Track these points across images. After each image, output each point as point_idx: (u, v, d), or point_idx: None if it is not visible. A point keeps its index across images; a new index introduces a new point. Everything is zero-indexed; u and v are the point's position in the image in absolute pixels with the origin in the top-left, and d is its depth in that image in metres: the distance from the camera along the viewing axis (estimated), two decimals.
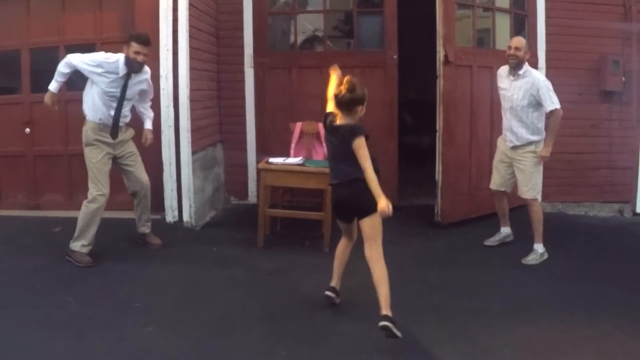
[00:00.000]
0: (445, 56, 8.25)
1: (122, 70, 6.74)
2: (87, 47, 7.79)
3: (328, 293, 5.75)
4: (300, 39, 10.47)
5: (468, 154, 8.72)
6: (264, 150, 9.23)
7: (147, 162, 7.81)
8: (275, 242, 7.79)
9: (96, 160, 6.80)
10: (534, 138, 7.36)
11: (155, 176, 8.00)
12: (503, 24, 9.45)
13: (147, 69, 7.09)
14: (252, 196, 9.80)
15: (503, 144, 7.64)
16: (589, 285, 6.52)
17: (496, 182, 7.63)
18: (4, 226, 7.94)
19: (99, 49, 7.61)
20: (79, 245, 6.71)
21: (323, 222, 7.55)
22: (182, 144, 8.08)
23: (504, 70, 7.63)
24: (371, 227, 5.37)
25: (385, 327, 4.91)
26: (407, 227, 8.53)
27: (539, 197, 7.49)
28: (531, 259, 7.28)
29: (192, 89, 8.17)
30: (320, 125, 8.35)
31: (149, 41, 6.87)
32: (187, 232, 8.01)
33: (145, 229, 7.42)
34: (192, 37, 8.17)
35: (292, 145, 8.52)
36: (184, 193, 8.14)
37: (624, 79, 9.57)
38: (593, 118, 9.70)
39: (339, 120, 5.30)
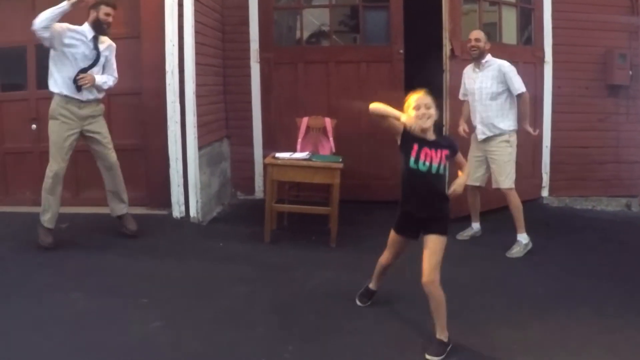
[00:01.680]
0: (452, 50, 8.25)
1: (89, 32, 6.86)
2: None
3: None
4: (306, 33, 10.44)
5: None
6: (270, 145, 9.22)
7: (153, 158, 7.83)
8: (282, 237, 7.79)
9: (57, 134, 6.92)
10: (505, 127, 7.37)
11: (162, 172, 8.03)
12: (509, 17, 9.44)
13: (109, 40, 7.24)
14: (258, 191, 9.80)
15: (474, 138, 7.69)
16: (596, 279, 6.51)
17: (474, 176, 7.58)
18: (10, 222, 7.95)
19: None
20: (44, 219, 6.93)
21: (330, 217, 7.54)
22: (189, 140, 8.07)
23: (468, 68, 7.74)
24: None
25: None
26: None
27: (514, 186, 7.46)
28: (515, 252, 7.29)
29: (198, 84, 8.17)
30: (327, 119, 8.37)
31: (115, 4, 7.02)
32: (193, 228, 8.00)
33: (116, 206, 7.44)
34: (197, 32, 8.16)
35: (299, 140, 8.51)
36: (190, 188, 8.13)
37: (630, 72, 9.55)
38: (600, 112, 9.69)
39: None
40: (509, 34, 9.35)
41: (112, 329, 5.13)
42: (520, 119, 7.47)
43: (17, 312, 5.42)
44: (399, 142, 5.04)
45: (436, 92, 8.09)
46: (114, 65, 7.33)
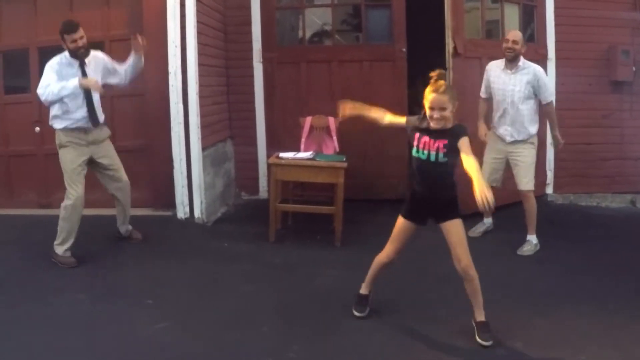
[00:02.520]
0: (455, 48, 8.24)
1: (72, 60, 6.72)
2: (95, 45, 7.79)
3: None
4: (309, 33, 10.44)
5: (479, 145, 8.70)
6: (274, 145, 9.20)
7: (157, 159, 7.84)
8: (287, 237, 7.80)
9: (69, 161, 6.79)
10: (534, 131, 7.40)
11: (166, 173, 8.03)
12: (512, 15, 9.42)
13: (97, 53, 7.04)
14: (263, 191, 9.79)
15: (496, 140, 7.63)
16: (601, 276, 6.50)
17: (489, 178, 7.56)
18: (15, 225, 7.97)
19: (107, 47, 7.70)
20: (62, 249, 6.70)
21: (334, 217, 7.54)
22: (192, 140, 8.07)
23: (496, 64, 7.65)
24: None
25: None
26: None
27: (534, 189, 7.48)
28: (527, 250, 7.30)
29: (201, 85, 8.17)
30: (330, 119, 8.36)
31: (76, 24, 6.76)
32: (198, 228, 8.01)
33: (126, 228, 7.42)
34: (200, 33, 8.17)
35: (303, 140, 8.50)
36: (194, 189, 8.14)
37: (634, 68, 9.55)
38: (603, 108, 9.68)
39: None
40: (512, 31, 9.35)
41: (118, 330, 5.15)
42: (551, 127, 7.59)
43: (23, 313, 5.43)
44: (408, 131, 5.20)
45: None
46: (116, 66, 7.18)
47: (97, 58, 6.96)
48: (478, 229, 7.94)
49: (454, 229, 5.04)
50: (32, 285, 6.11)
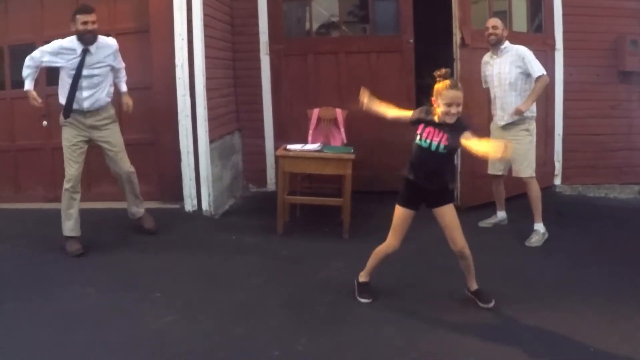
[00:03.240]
0: (462, 39, 8.23)
1: (78, 46, 6.73)
2: None
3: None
4: (316, 24, 10.42)
5: (487, 137, 8.68)
6: (281, 137, 9.20)
7: (165, 152, 7.85)
8: (295, 229, 7.80)
9: (65, 139, 6.90)
10: (526, 114, 7.34)
11: (174, 165, 8.04)
12: (519, 5, 9.39)
13: (110, 41, 7.05)
14: (270, 183, 9.80)
15: (495, 128, 7.67)
16: (609, 267, 6.48)
17: (495, 166, 7.59)
18: (23, 219, 8.00)
19: None
20: (65, 228, 6.81)
21: (342, 208, 7.54)
22: (200, 133, 8.08)
23: (487, 56, 7.77)
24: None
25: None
26: (427, 211, 8.50)
27: (534, 175, 7.45)
28: (534, 241, 7.26)
29: (208, 78, 8.17)
30: (338, 110, 8.36)
31: (91, 8, 6.83)
32: (206, 221, 8.02)
33: (135, 210, 7.43)
34: (206, 25, 8.16)
35: (310, 132, 8.51)
36: (202, 182, 8.15)
37: None
38: (611, 99, 9.63)
39: None
40: (520, 21, 9.30)
41: (126, 323, 5.16)
42: (527, 96, 7.36)
43: (32, 307, 5.45)
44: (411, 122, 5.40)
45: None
46: (122, 69, 7.28)
47: (106, 47, 6.97)
48: (490, 220, 7.93)
49: (448, 212, 5.32)
50: (39, 278, 6.12)
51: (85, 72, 6.77)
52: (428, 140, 5.12)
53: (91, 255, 6.69)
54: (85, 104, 6.87)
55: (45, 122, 8.43)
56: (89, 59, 6.77)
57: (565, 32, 9.48)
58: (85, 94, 6.83)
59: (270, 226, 7.69)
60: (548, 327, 5.05)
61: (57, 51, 6.76)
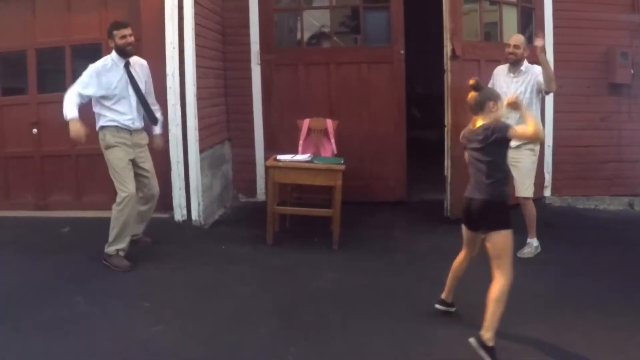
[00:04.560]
0: (453, 50, 8.24)
1: (118, 60, 6.69)
2: (92, 47, 7.82)
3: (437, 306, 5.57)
4: (307, 35, 10.44)
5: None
6: (272, 148, 9.21)
7: (155, 161, 7.81)
8: (285, 240, 7.77)
9: (119, 159, 6.69)
10: None
11: (163, 175, 8.00)
12: (510, 17, 9.42)
13: (143, 60, 7.03)
14: (260, 193, 9.78)
15: None
16: (600, 279, 6.49)
17: None
18: (12, 226, 7.97)
19: (104, 49, 7.64)
20: (114, 249, 6.63)
21: (332, 219, 7.53)
22: (190, 142, 8.07)
23: (502, 68, 7.67)
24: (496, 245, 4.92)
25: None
26: (417, 223, 8.53)
27: (532, 196, 7.45)
28: (527, 252, 7.27)
29: (199, 87, 8.16)
30: (328, 121, 8.36)
31: (126, 22, 6.83)
32: (195, 231, 8.00)
33: (138, 230, 7.33)
34: (198, 35, 8.15)
35: (300, 142, 8.50)
36: (192, 191, 8.13)
37: (632, 71, 9.52)
38: (602, 111, 9.66)
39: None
40: (510, 33, 9.30)
41: (114, 332, 5.13)
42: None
43: (19, 315, 5.42)
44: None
45: (438, 92, 8.15)
46: (152, 90, 7.19)
47: (142, 66, 6.97)
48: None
49: (490, 244, 4.96)
50: (27, 287, 6.09)
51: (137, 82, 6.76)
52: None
53: (79, 264, 6.66)
54: (137, 122, 6.85)
55: (35, 130, 8.42)
56: (134, 74, 6.75)
57: (555, 44, 9.50)
58: (136, 110, 6.81)
59: (260, 236, 7.67)
60: (539, 339, 5.06)
61: (96, 73, 6.62)
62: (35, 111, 8.46)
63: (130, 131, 6.78)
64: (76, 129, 6.42)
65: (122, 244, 6.65)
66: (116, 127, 6.71)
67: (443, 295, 5.53)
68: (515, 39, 7.45)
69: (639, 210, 9.57)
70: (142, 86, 6.83)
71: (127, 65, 6.71)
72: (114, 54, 6.72)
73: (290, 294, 6.03)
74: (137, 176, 6.94)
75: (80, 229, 7.08)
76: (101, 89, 6.61)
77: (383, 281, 6.18)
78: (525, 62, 7.39)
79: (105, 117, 6.72)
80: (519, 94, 7.26)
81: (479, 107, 5.09)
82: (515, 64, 7.39)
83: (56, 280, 6.26)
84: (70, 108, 6.44)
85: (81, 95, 6.58)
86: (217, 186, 9.10)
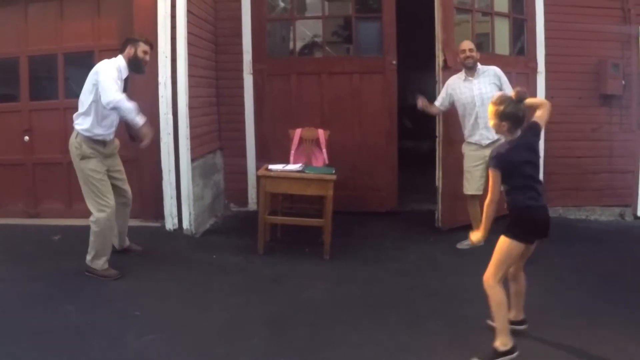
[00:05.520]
0: (445, 61, 8.27)
1: (124, 72, 6.63)
2: (85, 55, 7.81)
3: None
4: (299, 45, 10.46)
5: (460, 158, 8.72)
6: (263, 157, 9.19)
7: (146, 170, 7.82)
8: (276, 249, 7.77)
9: (95, 170, 6.59)
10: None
11: (155, 184, 8.01)
12: (502, 28, 9.46)
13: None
14: (252, 203, 9.79)
15: (472, 148, 7.78)
16: (591, 290, 6.49)
17: (473, 186, 7.68)
18: (3, 235, 7.93)
19: (97, 57, 7.64)
20: (100, 264, 6.58)
21: (323, 229, 7.52)
22: (181, 151, 8.06)
23: (456, 77, 7.89)
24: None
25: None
26: (408, 233, 8.53)
27: None
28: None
29: (191, 96, 8.16)
30: (320, 131, 8.37)
31: (153, 44, 6.85)
32: (186, 240, 7.98)
33: (128, 242, 7.32)
34: (190, 44, 8.16)
35: (292, 152, 8.50)
36: (183, 200, 8.12)
37: (623, 82, 9.55)
38: (593, 122, 9.70)
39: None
40: (502, 44, 9.36)
41: (105, 342, 5.11)
42: None
43: (10, 323, 5.40)
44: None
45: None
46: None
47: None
48: (467, 242, 7.93)
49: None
50: (18, 296, 6.07)
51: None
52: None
53: (70, 273, 6.62)
54: (110, 133, 6.79)
55: (27, 138, 8.41)
56: (127, 85, 6.70)
57: (547, 55, 9.55)
58: (114, 123, 6.75)
59: (251, 246, 7.66)
60: (529, 349, 5.05)
61: (116, 78, 6.52)
62: (27, 118, 8.44)
63: (104, 142, 6.73)
64: (150, 131, 6.56)
65: (105, 258, 6.61)
66: (91, 138, 6.60)
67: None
68: (468, 43, 7.80)
69: (630, 221, 9.59)
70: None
71: (126, 81, 6.66)
72: (122, 62, 6.62)
73: (281, 304, 6.01)
74: (113, 185, 6.87)
75: (72, 237, 7.06)
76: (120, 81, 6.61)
77: (374, 291, 6.18)
78: (479, 64, 7.69)
79: (86, 128, 6.58)
80: (485, 93, 7.39)
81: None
82: (472, 67, 7.67)
83: (47, 289, 6.23)
84: (136, 112, 6.40)
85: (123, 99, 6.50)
86: (209, 195, 9.09)
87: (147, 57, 6.71)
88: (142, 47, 6.63)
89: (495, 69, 7.68)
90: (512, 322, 5.22)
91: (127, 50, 6.64)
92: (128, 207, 7.16)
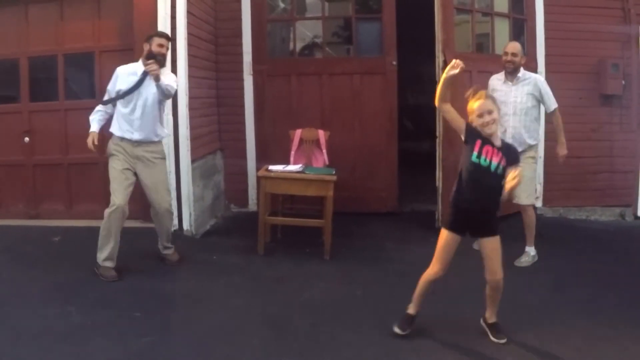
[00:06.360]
0: (445, 62, 8.24)
1: (139, 68, 6.65)
2: (85, 56, 7.80)
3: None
4: (299, 45, 10.45)
5: None
6: (263, 158, 9.19)
7: None
8: (276, 250, 7.77)
9: (113, 168, 6.66)
10: (533, 142, 7.38)
11: None
12: (502, 28, 9.45)
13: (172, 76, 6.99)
14: (252, 204, 9.78)
15: None
16: (591, 289, 6.50)
17: None
18: (3, 235, 7.93)
19: (97, 58, 7.65)
20: (100, 257, 6.58)
21: (324, 230, 7.52)
22: (182, 152, 8.06)
23: (497, 78, 7.68)
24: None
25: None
26: (409, 233, 8.53)
27: (534, 202, 7.48)
28: (524, 261, 7.30)
29: (191, 97, 8.16)
30: (320, 132, 8.36)
31: (169, 35, 6.88)
32: (187, 241, 7.97)
33: (164, 250, 7.23)
34: (190, 44, 8.15)
35: (292, 153, 8.49)
36: (183, 201, 8.12)
37: (623, 82, 9.55)
38: (593, 122, 9.70)
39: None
40: (502, 44, 9.32)
41: (105, 342, 5.10)
42: (557, 135, 7.50)
43: (11, 324, 5.40)
44: (463, 137, 5.15)
45: (429, 102, 8.14)
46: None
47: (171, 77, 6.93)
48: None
49: (494, 244, 5.10)
50: (18, 296, 6.07)
51: (142, 92, 6.67)
52: (488, 160, 4.94)
53: (70, 274, 6.63)
54: (137, 134, 6.74)
55: (27, 139, 8.41)
56: (146, 81, 6.63)
57: (547, 55, 9.55)
58: (137, 122, 6.73)
59: (251, 246, 7.66)
60: (530, 349, 5.05)
61: (115, 77, 6.71)
62: (27, 120, 8.44)
63: (131, 142, 6.72)
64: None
65: (105, 253, 6.58)
66: (119, 136, 6.70)
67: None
68: (513, 46, 7.49)
69: (631, 221, 9.59)
70: (152, 99, 6.70)
71: (145, 73, 6.61)
72: (137, 63, 6.73)
73: (281, 305, 6.01)
74: (145, 193, 6.91)
75: (72, 238, 7.06)
76: (112, 91, 6.71)
77: (374, 292, 6.18)
78: (522, 70, 7.44)
79: (116, 127, 6.73)
80: (520, 103, 7.29)
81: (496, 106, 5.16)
82: (513, 72, 7.41)
83: (47, 290, 6.24)
84: (96, 119, 6.77)
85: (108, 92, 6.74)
86: (209, 196, 9.09)
87: (164, 50, 6.71)
88: (157, 40, 6.67)
89: (537, 78, 7.47)
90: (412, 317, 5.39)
91: (144, 49, 6.71)
92: (159, 216, 7.02)
